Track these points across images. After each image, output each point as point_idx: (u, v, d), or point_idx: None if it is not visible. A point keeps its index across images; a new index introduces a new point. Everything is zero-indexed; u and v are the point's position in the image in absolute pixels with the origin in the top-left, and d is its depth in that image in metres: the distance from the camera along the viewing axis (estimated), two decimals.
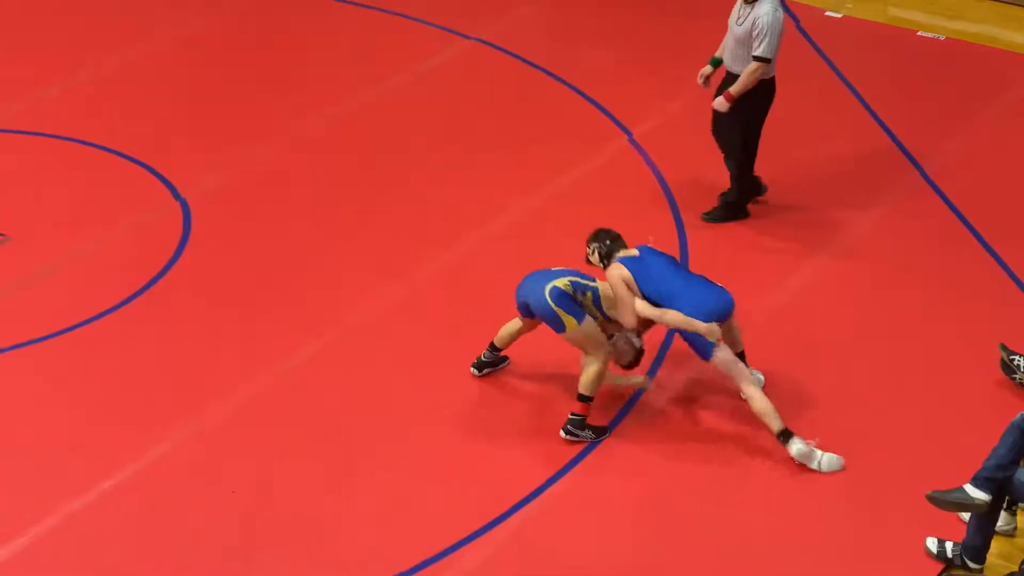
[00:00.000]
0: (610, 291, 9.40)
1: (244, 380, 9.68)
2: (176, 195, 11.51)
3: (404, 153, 12.22)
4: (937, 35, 14.09)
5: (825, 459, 9.15)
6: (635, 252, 9.53)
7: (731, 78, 10.96)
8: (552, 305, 9.17)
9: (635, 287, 9.32)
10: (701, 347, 9.25)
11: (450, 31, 14.12)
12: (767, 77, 10.88)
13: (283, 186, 11.75)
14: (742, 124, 11.01)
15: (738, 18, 10.83)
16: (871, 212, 11.58)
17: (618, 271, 9.37)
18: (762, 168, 11.44)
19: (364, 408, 9.51)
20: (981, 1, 14.57)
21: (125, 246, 10.98)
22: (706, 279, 9.42)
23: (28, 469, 9.00)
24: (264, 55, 13.68)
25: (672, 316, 9.22)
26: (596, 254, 9.56)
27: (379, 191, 11.69)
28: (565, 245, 10.29)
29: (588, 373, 9.26)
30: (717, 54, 11.12)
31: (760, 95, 10.93)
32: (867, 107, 12.91)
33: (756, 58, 10.73)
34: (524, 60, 13.62)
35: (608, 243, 9.53)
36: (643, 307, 9.27)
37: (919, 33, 14.13)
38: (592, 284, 9.37)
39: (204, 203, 11.46)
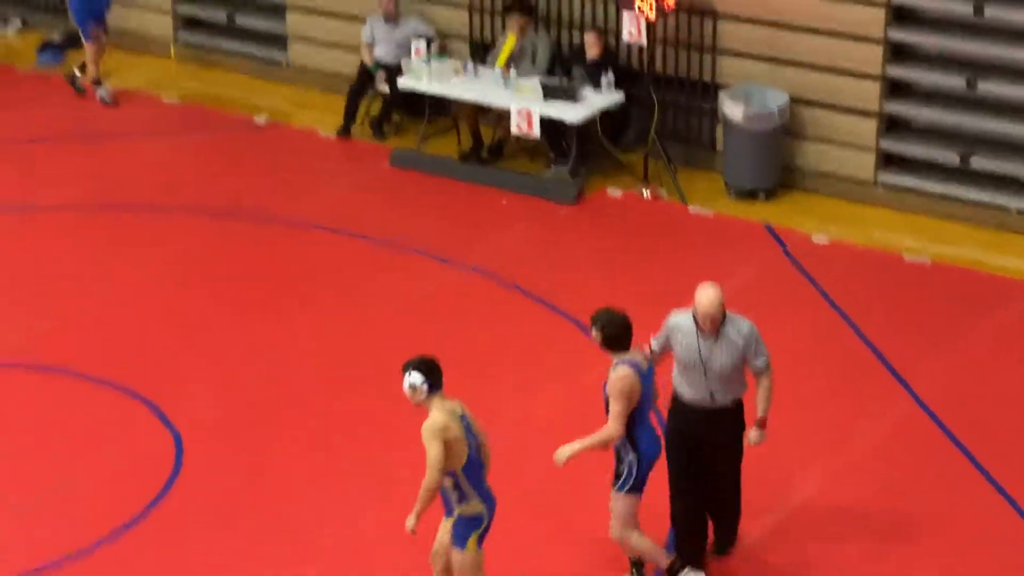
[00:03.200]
0: None
1: None
2: (167, 423, 11.52)
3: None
4: (923, 259, 14.25)
5: None
6: (643, 360, 9.48)
7: (716, 413, 9.74)
8: None
9: (635, 399, 9.28)
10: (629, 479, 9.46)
11: (440, 259, 14.28)
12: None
13: (274, 410, 11.76)
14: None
15: (702, 353, 9.54)
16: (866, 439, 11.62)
17: (632, 382, 9.33)
18: None
19: None
20: (964, 225, 14.76)
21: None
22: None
23: None
24: (253, 281, 13.81)
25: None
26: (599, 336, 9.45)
27: (369, 412, 11.70)
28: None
29: None
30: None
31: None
32: (858, 332, 13.01)
33: (766, 366, 9.69)
34: (514, 286, 13.76)
35: (620, 336, 9.39)
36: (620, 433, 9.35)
37: (905, 257, 14.29)
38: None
39: (196, 432, 11.45)
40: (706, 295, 9.45)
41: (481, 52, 16.72)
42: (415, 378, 8.84)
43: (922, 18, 15.02)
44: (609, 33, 15.90)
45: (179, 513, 10.60)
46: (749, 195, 15.35)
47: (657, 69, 15.75)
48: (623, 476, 9.48)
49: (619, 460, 9.51)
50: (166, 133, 17.30)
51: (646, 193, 15.53)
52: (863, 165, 15.20)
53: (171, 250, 14.39)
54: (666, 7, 15.00)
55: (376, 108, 17.31)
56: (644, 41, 15.32)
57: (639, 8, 14.96)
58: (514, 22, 16.14)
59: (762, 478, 10.67)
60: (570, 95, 15.46)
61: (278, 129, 17.41)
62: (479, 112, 16.30)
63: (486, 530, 9.03)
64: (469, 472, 8.87)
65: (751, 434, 9.83)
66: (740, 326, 9.57)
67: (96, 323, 13.03)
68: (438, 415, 8.80)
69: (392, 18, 16.80)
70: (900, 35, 14.97)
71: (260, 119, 17.59)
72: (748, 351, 9.56)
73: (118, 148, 16.87)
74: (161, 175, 16.24)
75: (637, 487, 9.50)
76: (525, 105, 15.41)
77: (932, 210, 14.91)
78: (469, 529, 8.97)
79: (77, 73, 17.78)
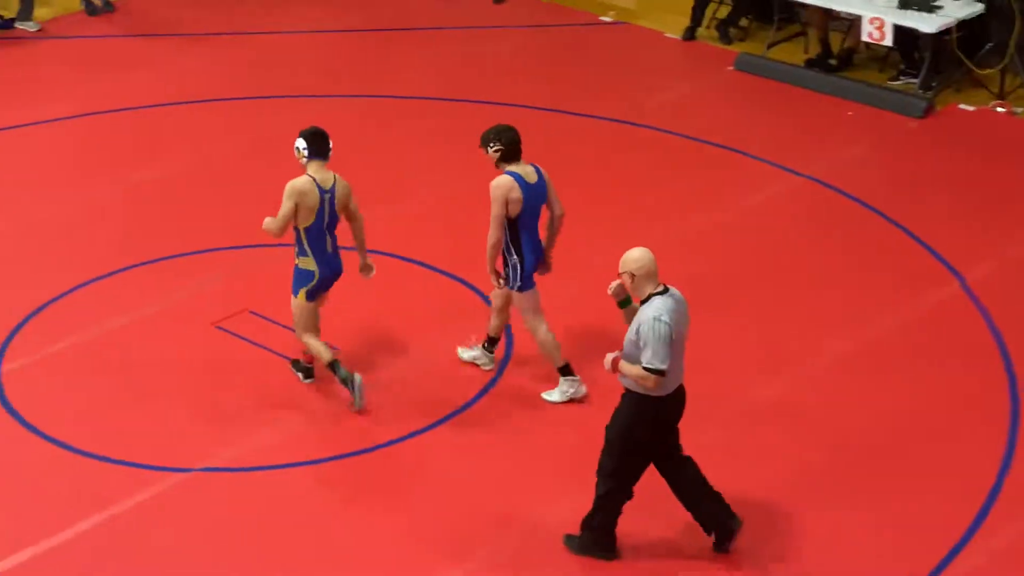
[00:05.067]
0: None
1: None
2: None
3: (724, 284, 12.11)
4: None
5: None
6: (532, 173, 10.21)
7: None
8: None
9: (514, 208, 10.04)
10: (513, 278, 10.25)
11: (781, 167, 14.00)
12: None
13: (596, 314, 11.76)
14: None
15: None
16: None
17: (510, 190, 10.07)
18: None
19: None
20: None
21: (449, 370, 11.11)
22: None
23: None
24: (589, 179, 13.80)
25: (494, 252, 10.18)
26: (497, 154, 10.19)
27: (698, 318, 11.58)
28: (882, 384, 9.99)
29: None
30: None
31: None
32: None
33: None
34: (856, 200, 13.39)
35: (508, 147, 10.19)
36: (497, 237, 10.10)
37: None
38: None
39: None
40: (646, 254, 8.82)
41: None
42: (299, 143, 10.24)
43: None
44: None
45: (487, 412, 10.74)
46: None
47: None
48: (510, 277, 10.34)
49: (505, 263, 10.36)
50: (512, 24, 17.42)
51: (1001, 110, 14.93)
52: None
53: None
54: None
55: (724, 11, 17.09)
56: None
57: None
58: None
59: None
60: (926, 4, 14.92)
61: (624, 29, 17.35)
62: (829, 18, 15.90)
63: (317, 288, 10.39)
64: (310, 235, 10.23)
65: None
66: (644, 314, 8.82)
67: (433, 218, 13.21)
68: (302, 178, 10.20)
69: None
70: None
71: (607, 17, 17.56)
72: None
73: (461, 39, 17.06)
74: (502, 67, 16.36)
75: (527, 284, 10.35)
76: (879, 13, 14.95)
77: None
78: (302, 282, 10.39)
79: None
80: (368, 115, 15.12)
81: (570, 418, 10.46)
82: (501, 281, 10.41)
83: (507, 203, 10.14)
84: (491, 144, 10.31)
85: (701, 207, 13.34)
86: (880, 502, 9.67)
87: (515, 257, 10.32)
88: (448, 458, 10.10)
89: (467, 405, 10.66)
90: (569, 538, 9.26)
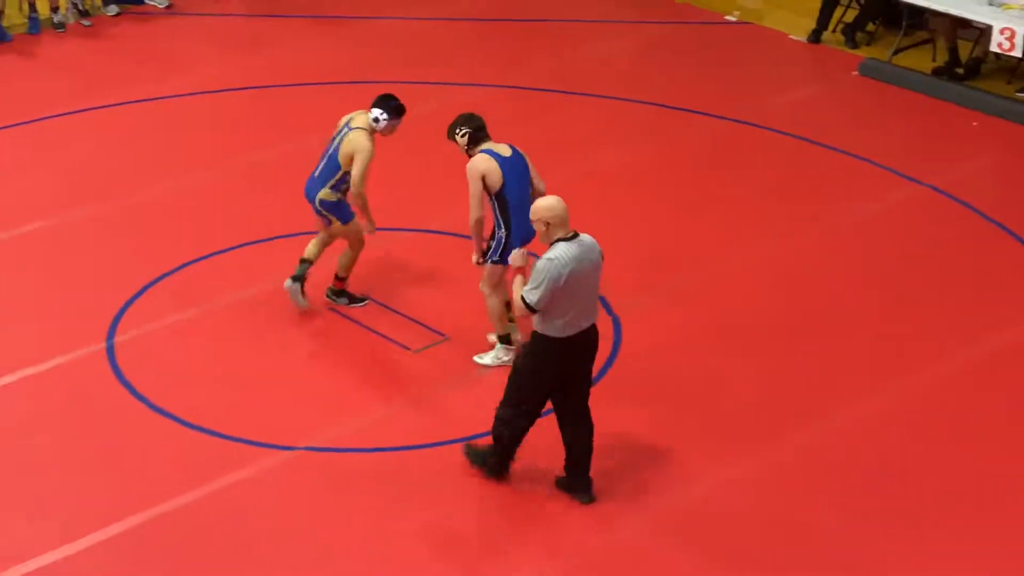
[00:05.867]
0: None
1: None
2: (608, 310, 11.59)
3: (828, 293, 11.98)
4: None
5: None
6: (505, 148, 10.30)
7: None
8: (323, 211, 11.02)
9: (493, 181, 10.14)
10: (494, 250, 10.34)
11: (902, 175, 13.83)
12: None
13: (708, 313, 11.68)
14: None
15: None
16: None
17: (485, 164, 10.19)
18: None
19: None
20: None
21: None
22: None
23: None
24: (707, 180, 13.71)
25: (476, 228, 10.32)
26: (465, 137, 10.33)
27: (798, 324, 11.47)
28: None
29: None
30: None
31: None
32: None
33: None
34: (978, 212, 13.18)
35: (476, 130, 10.31)
36: (478, 214, 10.24)
37: None
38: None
39: (633, 321, 11.50)
40: (559, 202, 9.09)
41: None
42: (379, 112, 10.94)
43: None
44: None
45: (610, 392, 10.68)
46: None
47: None
48: (490, 249, 10.42)
49: (492, 236, 10.45)
50: (633, 20, 17.36)
51: None
52: None
53: (616, 139, 14.44)
54: None
55: (851, 15, 16.91)
56: None
57: None
58: None
59: None
60: None
61: (748, 29, 17.22)
62: (958, 27, 15.66)
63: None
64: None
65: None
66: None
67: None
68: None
69: None
70: None
71: (732, 17, 17.44)
72: None
73: (575, 31, 17.02)
74: (622, 64, 16.30)
75: (502, 260, 10.38)
76: (1010, 23, 14.70)
77: None
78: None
79: None
80: (488, 105, 15.13)
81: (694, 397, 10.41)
82: (480, 258, 10.56)
83: (483, 177, 10.25)
84: (458, 130, 10.47)
85: (819, 212, 13.19)
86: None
87: (503, 231, 10.42)
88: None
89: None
90: (470, 448, 9.70)
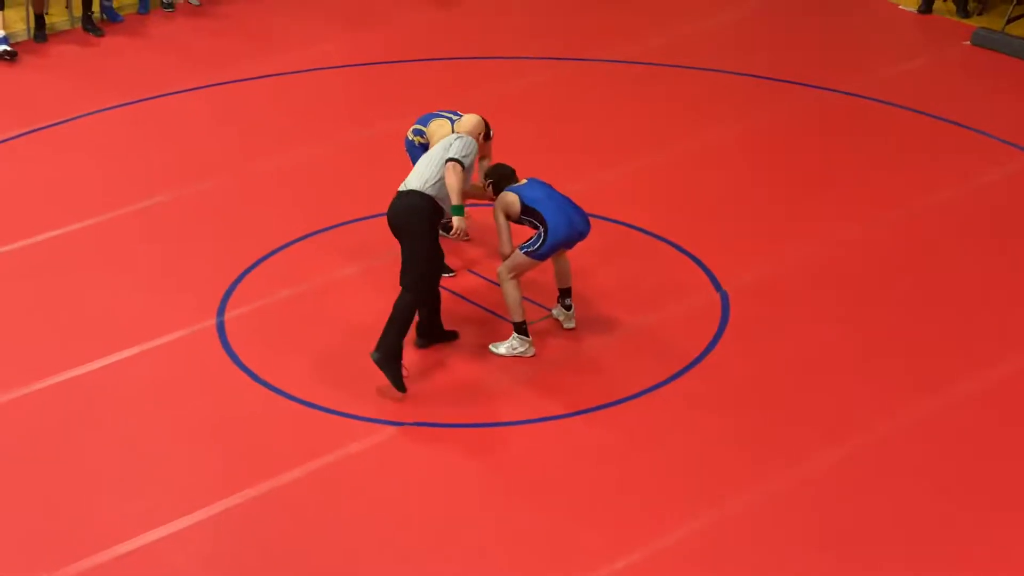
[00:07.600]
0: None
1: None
2: (717, 286, 11.52)
3: (940, 265, 11.82)
4: None
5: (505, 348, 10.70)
6: (524, 181, 10.85)
7: None
8: None
9: (513, 207, 10.63)
10: (535, 241, 10.54)
11: (1017, 146, 13.60)
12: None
13: (819, 287, 11.57)
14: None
15: None
16: None
17: (504, 199, 10.71)
18: None
19: None
20: None
21: (667, 330, 11.07)
22: (571, 203, 10.66)
23: None
24: (816, 153, 13.57)
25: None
26: (490, 188, 10.95)
27: (916, 297, 11.32)
28: None
29: None
30: None
31: None
32: None
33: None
34: None
35: (499, 180, 10.87)
36: (507, 250, 10.68)
37: None
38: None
39: (743, 296, 11.41)
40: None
41: None
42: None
43: None
44: None
45: (720, 367, 10.62)
46: None
47: None
48: (532, 241, 10.57)
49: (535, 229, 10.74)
50: None
51: None
52: None
53: (725, 113, 14.33)
54: None
55: None
56: None
57: None
58: None
59: None
60: None
61: (858, 0, 17.03)
62: None
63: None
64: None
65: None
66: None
67: (653, 180, 13.13)
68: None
69: None
70: None
71: None
72: None
73: (688, 5, 16.90)
74: (729, 36, 16.16)
75: (537, 256, 10.56)
76: None
77: None
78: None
79: None
80: (592, 78, 15.08)
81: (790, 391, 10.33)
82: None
83: (504, 211, 10.75)
84: (485, 180, 11.09)
85: (932, 184, 13.01)
86: None
87: (541, 227, 10.60)
88: (679, 412, 10.09)
89: (698, 359, 10.67)
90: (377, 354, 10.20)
